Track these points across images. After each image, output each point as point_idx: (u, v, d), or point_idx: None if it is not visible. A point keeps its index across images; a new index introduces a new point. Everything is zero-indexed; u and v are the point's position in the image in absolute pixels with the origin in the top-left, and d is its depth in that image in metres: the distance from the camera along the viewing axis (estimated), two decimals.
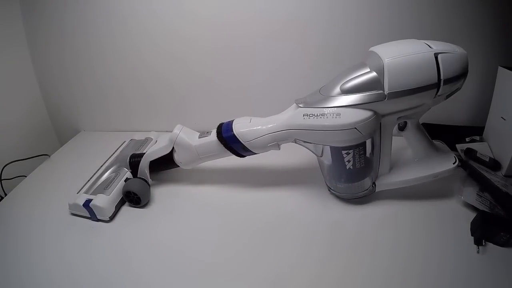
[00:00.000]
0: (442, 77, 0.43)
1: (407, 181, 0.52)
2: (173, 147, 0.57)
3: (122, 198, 0.55)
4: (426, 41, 0.45)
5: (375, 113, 0.45)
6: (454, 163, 0.51)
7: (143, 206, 0.56)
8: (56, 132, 0.87)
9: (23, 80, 0.77)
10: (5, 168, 0.66)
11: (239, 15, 0.67)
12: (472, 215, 0.49)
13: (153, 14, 0.69)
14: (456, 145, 0.65)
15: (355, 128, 0.45)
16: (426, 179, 0.52)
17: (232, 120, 0.54)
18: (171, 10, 0.68)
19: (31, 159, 0.70)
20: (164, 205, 0.57)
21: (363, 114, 0.45)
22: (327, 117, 0.46)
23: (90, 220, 0.53)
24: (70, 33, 0.73)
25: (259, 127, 0.52)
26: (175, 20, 0.69)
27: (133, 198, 0.55)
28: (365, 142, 0.48)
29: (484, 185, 0.53)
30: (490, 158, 0.60)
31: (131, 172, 0.60)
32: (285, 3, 0.65)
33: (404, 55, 0.43)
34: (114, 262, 0.46)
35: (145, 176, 0.58)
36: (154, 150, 0.58)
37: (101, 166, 0.62)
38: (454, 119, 0.71)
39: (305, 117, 0.48)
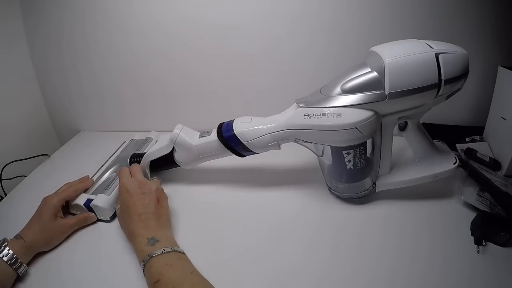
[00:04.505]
0: (442, 77, 0.43)
1: (407, 181, 0.52)
2: (173, 147, 0.57)
3: None
4: (427, 41, 0.45)
5: (376, 113, 0.45)
6: (454, 163, 0.51)
7: None
8: (56, 132, 0.87)
9: (23, 80, 0.77)
10: (5, 168, 0.66)
11: (240, 15, 0.67)
12: (472, 215, 0.49)
13: (156, 13, 0.69)
14: (456, 145, 0.65)
15: (356, 128, 0.45)
16: (427, 179, 0.52)
17: (233, 120, 0.54)
18: (174, 9, 0.68)
19: (31, 159, 0.70)
20: None
21: (364, 114, 0.45)
22: (327, 117, 0.46)
23: None
24: (70, 33, 0.72)
25: (260, 126, 0.52)
26: (176, 19, 0.69)
27: None
28: (365, 142, 0.48)
29: (484, 185, 0.53)
30: (490, 158, 0.60)
31: None
32: (286, 3, 0.65)
33: (405, 55, 0.43)
34: (115, 262, 0.46)
35: (146, 176, 0.58)
36: (154, 150, 0.58)
37: (102, 166, 0.62)
38: (454, 119, 0.71)
39: (306, 117, 0.48)
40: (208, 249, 0.48)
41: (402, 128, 0.52)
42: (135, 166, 0.54)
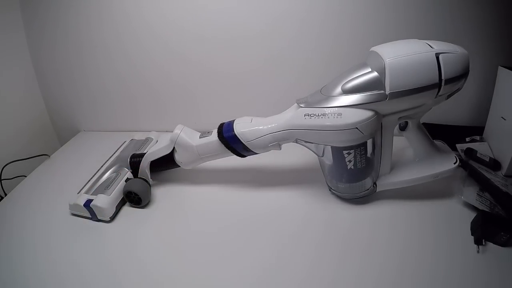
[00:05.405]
0: (443, 77, 0.43)
1: (408, 181, 0.52)
2: (173, 147, 0.57)
3: (122, 198, 0.55)
4: (427, 41, 0.45)
5: (376, 113, 0.45)
6: (455, 163, 0.51)
7: (144, 207, 0.56)
8: (56, 132, 0.87)
9: (23, 80, 0.77)
10: (5, 168, 0.65)
11: (242, 15, 0.67)
12: (472, 215, 0.49)
13: (158, 11, 0.68)
14: (456, 145, 0.65)
15: (356, 128, 0.45)
16: (427, 179, 0.52)
17: (233, 120, 0.54)
18: (175, 6, 0.68)
19: (31, 159, 0.70)
20: (165, 205, 0.57)
21: (364, 114, 0.45)
22: (328, 117, 0.46)
23: (90, 221, 0.53)
24: (70, 33, 0.72)
25: (260, 127, 0.52)
26: (178, 17, 0.69)
27: (134, 198, 0.55)
28: (366, 142, 0.48)
29: (484, 185, 0.54)
30: (490, 158, 0.60)
31: (132, 172, 0.60)
32: (287, 3, 0.65)
33: (405, 55, 0.43)
34: (115, 263, 0.46)
35: (146, 176, 0.58)
36: (154, 150, 0.58)
37: (102, 166, 0.62)
38: (454, 119, 0.71)
39: (306, 117, 0.48)
40: (209, 249, 0.48)
41: (403, 128, 0.52)
42: None
